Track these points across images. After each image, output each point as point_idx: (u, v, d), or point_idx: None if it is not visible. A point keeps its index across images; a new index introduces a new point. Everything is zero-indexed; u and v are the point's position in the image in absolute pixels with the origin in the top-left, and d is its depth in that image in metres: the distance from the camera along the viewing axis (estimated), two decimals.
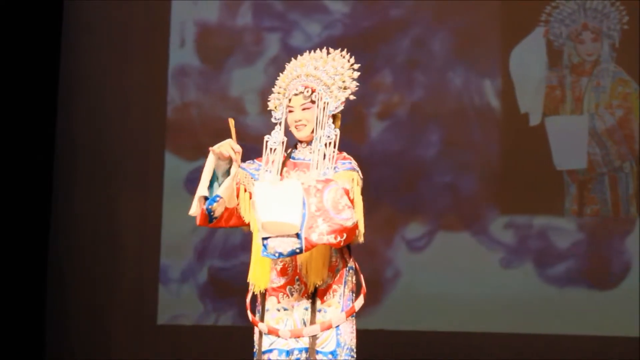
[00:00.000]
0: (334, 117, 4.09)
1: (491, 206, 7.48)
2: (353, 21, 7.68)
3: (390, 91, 7.57)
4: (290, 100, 4.08)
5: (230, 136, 3.93)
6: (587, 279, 7.36)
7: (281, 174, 4.06)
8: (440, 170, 7.54)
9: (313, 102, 4.04)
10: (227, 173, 3.92)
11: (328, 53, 4.14)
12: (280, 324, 4.00)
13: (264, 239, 3.79)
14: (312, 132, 4.05)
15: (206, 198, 3.91)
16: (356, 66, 4.10)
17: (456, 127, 7.55)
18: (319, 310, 3.98)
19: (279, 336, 3.98)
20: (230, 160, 3.91)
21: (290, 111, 4.08)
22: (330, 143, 4.00)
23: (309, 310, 3.99)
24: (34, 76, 7.54)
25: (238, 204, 3.99)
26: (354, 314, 4.02)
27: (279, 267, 4.02)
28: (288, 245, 3.77)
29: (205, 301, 7.65)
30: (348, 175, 3.97)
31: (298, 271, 4.01)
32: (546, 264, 7.40)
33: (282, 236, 3.77)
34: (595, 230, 7.42)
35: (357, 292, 4.06)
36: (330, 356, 3.94)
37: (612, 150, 7.46)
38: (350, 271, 4.06)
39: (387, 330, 7.30)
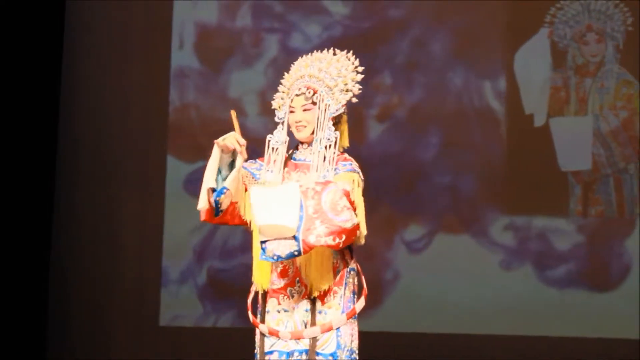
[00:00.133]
0: (340, 119, 4.09)
1: (493, 207, 7.47)
2: (353, 22, 7.68)
3: (389, 92, 7.58)
4: (292, 100, 4.07)
5: (233, 129, 3.93)
6: (587, 281, 7.35)
7: (282, 174, 4.05)
8: (440, 172, 7.54)
9: (314, 103, 4.04)
10: (231, 167, 3.92)
11: (334, 54, 4.13)
12: (281, 325, 3.99)
13: (262, 242, 3.80)
14: (312, 133, 4.04)
15: (213, 190, 3.91)
16: (360, 69, 4.10)
17: (456, 128, 7.55)
18: (319, 312, 3.97)
19: (279, 338, 3.98)
20: (233, 154, 3.91)
21: (291, 111, 4.07)
22: (330, 145, 3.99)
23: (310, 311, 3.98)
24: (36, 77, 7.54)
25: (237, 203, 3.98)
26: (355, 315, 4.01)
27: (279, 269, 4.01)
28: (286, 248, 3.77)
29: (205, 302, 7.65)
30: (349, 177, 3.96)
31: (299, 273, 4.00)
32: (546, 266, 7.40)
33: (280, 239, 3.77)
34: (595, 232, 7.41)
35: (358, 293, 4.05)
36: (330, 358, 3.93)
37: (616, 152, 7.46)
38: (352, 272, 4.05)
39: (386, 332, 7.28)
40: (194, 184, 7.17)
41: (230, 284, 7.49)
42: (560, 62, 7.60)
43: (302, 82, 4.09)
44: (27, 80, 7.47)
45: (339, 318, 3.95)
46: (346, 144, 4.16)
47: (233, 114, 3.98)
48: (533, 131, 7.55)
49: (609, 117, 7.49)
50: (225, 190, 3.89)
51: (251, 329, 4.12)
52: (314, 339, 3.94)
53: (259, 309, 4.07)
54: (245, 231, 4.14)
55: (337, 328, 3.95)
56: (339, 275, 4.00)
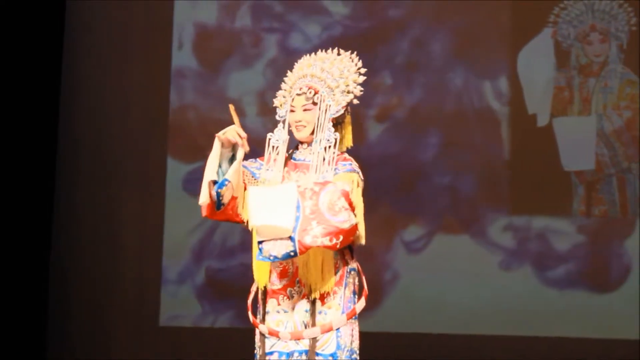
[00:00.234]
0: (343, 119, 4.09)
1: (493, 208, 7.46)
2: (352, 22, 7.67)
3: (389, 92, 7.58)
4: (293, 99, 4.06)
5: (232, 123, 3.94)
6: (587, 281, 7.34)
7: (282, 174, 4.04)
8: (440, 172, 7.53)
9: (315, 103, 4.03)
10: (231, 162, 3.92)
11: (338, 54, 4.12)
12: (281, 326, 3.99)
13: (259, 242, 3.80)
14: (312, 133, 4.04)
15: (214, 183, 3.90)
16: (363, 70, 4.09)
17: (456, 128, 7.54)
18: (319, 312, 3.96)
19: (279, 338, 3.97)
20: (233, 149, 3.91)
21: (291, 110, 4.06)
22: (329, 147, 3.98)
23: (310, 312, 3.97)
24: (36, 77, 7.54)
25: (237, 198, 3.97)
26: (356, 316, 4.01)
27: (279, 270, 4.01)
28: (282, 248, 3.77)
29: (203, 302, 7.65)
30: (348, 177, 3.95)
31: (298, 273, 4.00)
32: (546, 266, 7.39)
33: (276, 239, 3.77)
34: (595, 233, 7.40)
35: (359, 294, 4.05)
36: (330, 358, 3.93)
37: (620, 152, 7.45)
38: (352, 272, 4.04)
39: (385, 333, 7.27)
40: (192, 183, 7.19)
41: (228, 284, 7.49)
42: (563, 62, 7.60)
43: (304, 82, 4.09)
44: (28, 80, 7.47)
45: (339, 318, 3.95)
46: (350, 144, 4.15)
47: (232, 107, 3.98)
48: (536, 131, 7.54)
49: (612, 117, 7.48)
50: (226, 182, 3.89)
51: (250, 329, 4.12)
52: (314, 340, 3.93)
53: (259, 309, 4.06)
54: (243, 231, 4.14)
55: (337, 329, 3.94)
56: (338, 275, 4.00)
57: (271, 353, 3.98)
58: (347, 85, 4.06)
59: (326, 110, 4.02)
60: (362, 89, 4.08)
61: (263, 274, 4.03)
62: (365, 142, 7.48)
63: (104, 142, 7.79)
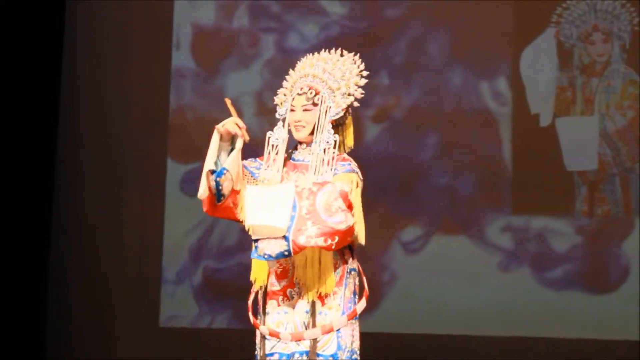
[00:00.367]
0: (344, 120, 4.07)
1: (494, 208, 7.45)
2: (350, 22, 7.66)
3: (387, 92, 7.57)
4: (293, 99, 4.05)
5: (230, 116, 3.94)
6: (586, 282, 7.33)
7: (281, 174, 4.03)
8: (438, 172, 7.52)
9: (315, 104, 4.02)
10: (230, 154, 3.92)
11: (342, 55, 4.11)
12: (281, 327, 3.98)
13: (254, 240, 3.80)
14: (311, 134, 4.03)
15: (213, 173, 3.89)
16: (365, 73, 4.08)
17: (455, 128, 7.54)
18: (320, 313, 3.96)
19: (279, 339, 3.97)
20: (232, 142, 3.91)
21: (291, 110, 4.05)
22: (329, 148, 3.96)
23: (310, 313, 3.96)
24: (36, 77, 7.55)
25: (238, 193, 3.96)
26: (356, 316, 4.00)
27: (279, 270, 4.00)
28: (276, 247, 3.77)
29: (200, 303, 7.65)
30: (347, 177, 3.95)
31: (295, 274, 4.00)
32: (545, 267, 7.38)
33: (271, 238, 3.78)
34: (594, 233, 7.39)
35: (359, 294, 4.04)
36: (331, 359, 3.92)
37: (623, 151, 7.44)
38: (352, 273, 4.03)
39: (384, 334, 7.26)
40: (190, 184, 7.19)
41: (226, 284, 7.49)
42: (566, 62, 7.59)
43: (305, 82, 4.07)
44: (27, 80, 7.48)
45: (339, 319, 3.94)
46: (351, 145, 4.14)
47: (228, 101, 3.98)
48: (539, 131, 7.54)
49: (615, 116, 7.48)
50: (225, 171, 3.87)
51: (250, 330, 4.12)
52: (315, 341, 3.93)
53: (259, 310, 4.05)
54: (241, 231, 4.14)
55: (338, 329, 3.93)
56: (338, 275, 3.99)
57: (272, 354, 3.97)
58: (349, 88, 4.05)
59: (326, 112, 4.00)
60: (363, 91, 4.07)
61: (260, 273, 4.02)
62: (363, 142, 7.46)
63: (103, 142, 7.79)
